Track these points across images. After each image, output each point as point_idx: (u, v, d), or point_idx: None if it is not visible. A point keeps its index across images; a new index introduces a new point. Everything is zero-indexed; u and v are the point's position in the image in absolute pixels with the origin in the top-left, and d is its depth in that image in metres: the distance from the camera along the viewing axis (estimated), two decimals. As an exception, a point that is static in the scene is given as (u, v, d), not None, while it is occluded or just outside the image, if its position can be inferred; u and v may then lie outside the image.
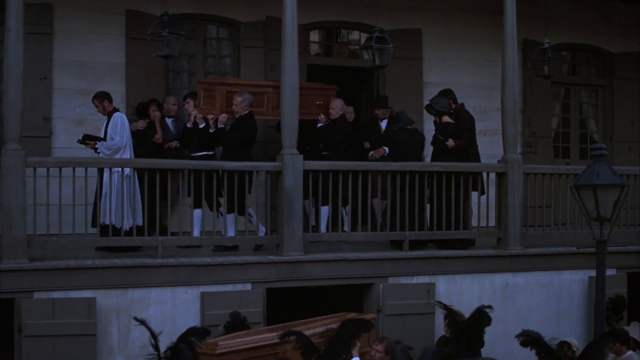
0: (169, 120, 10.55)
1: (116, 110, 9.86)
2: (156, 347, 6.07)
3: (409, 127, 10.31)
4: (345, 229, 9.70)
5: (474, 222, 10.45)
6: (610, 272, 10.37)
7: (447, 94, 10.58)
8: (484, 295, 9.75)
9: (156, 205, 8.86)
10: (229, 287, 8.88)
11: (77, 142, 9.98)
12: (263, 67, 11.52)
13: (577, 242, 10.52)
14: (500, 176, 10.09)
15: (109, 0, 10.89)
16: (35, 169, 8.54)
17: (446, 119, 10.27)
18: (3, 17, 10.33)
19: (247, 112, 9.92)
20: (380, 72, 11.98)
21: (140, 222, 9.03)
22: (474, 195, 10.33)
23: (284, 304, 9.41)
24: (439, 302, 8.78)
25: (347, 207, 9.79)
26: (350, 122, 11.05)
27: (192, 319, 8.64)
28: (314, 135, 10.79)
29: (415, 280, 9.54)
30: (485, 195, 10.28)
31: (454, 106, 10.63)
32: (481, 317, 6.60)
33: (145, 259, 8.81)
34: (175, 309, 8.71)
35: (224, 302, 8.67)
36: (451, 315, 8.18)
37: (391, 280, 9.43)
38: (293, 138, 9.20)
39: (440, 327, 9.28)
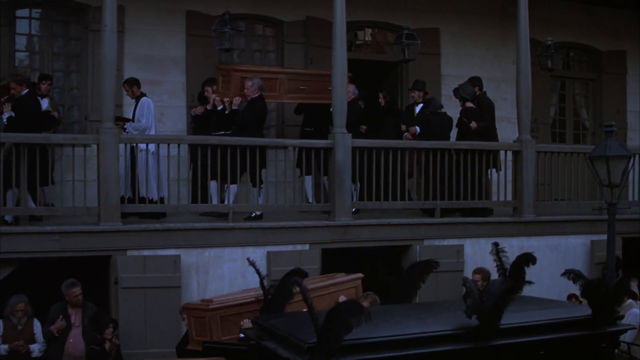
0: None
1: (143, 95, 10.13)
2: (262, 285, 6.63)
3: (439, 111, 10.94)
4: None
5: (492, 196, 11.12)
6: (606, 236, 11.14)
7: (475, 81, 11.20)
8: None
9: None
10: (290, 247, 9.48)
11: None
12: (303, 61, 12.02)
13: (580, 211, 11.26)
14: (516, 154, 10.76)
15: (172, 1, 11.43)
16: (126, 144, 9.14)
17: (469, 104, 10.92)
18: (84, 18, 11.03)
19: (257, 94, 10.13)
20: (403, 65, 12.61)
21: (165, 194, 9.40)
22: (494, 173, 11.00)
23: (337, 263, 10.03)
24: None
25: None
26: (361, 106, 11.28)
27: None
28: (326, 117, 10.91)
29: (446, 242, 10.19)
30: (502, 173, 10.95)
31: (478, 93, 11.28)
32: (527, 257, 7.17)
33: (220, 222, 9.40)
34: (245, 266, 9.18)
35: (286, 260, 9.21)
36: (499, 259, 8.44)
37: (426, 242, 10.07)
38: (342, 119, 9.76)
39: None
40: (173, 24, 11.46)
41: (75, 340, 8.45)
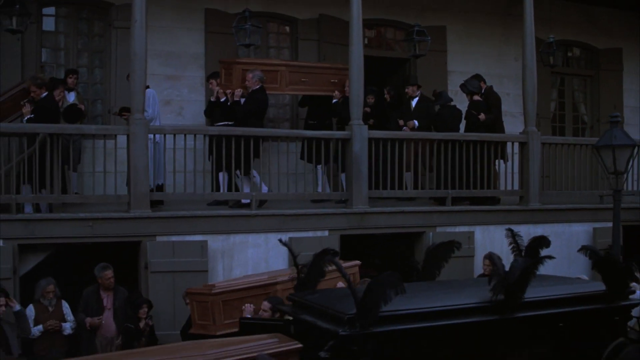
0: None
1: (147, 87, 10.04)
2: (295, 263, 6.89)
3: (449, 104, 11.23)
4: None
5: (500, 186, 11.42)
6: (607, 224, 11.47)
7: (477, 77, 11.52)
8: (511, 242, 10.69)
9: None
10: (310, 234, 9.73)
11: (114, 114, 10.46)
12: (317, 57, 12.23)
13: (582, 200, 11.57)
14: (523, 145, 11.06)
15: (192, 0, 11.71)
16: (154, 135, 9.39)
17: (476, 97, 11.22)
18: (108, 16, 11.27)
19: (258, 86, 10.22)
20: (411, 62, 12.90)
21: (161, 181, 9.59)
22: (501, 164, 11.29)
23: (354, 249, 10.29)
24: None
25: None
26: (369, 101, 11.38)
27: (281, 260, 9.47)
28: (329, 110, 11.18)
29: (458, 229, 10.47)
30: (508, 164, 11.25)
31: (484, 87, 11.58)
32: (541, 240, 7.45)
33: (244, 210, 9.65)
34: (268, 251, 9.53)
35: (307, 246, 9.37)
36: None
37: (439, 229, 10.35)
38: (359, 111, 10.04)
39: (478, 268, 10.24)
40: (192, 21, 11.68)
41: (107, 322, 8.69)
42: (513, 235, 7.47)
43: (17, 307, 8.01)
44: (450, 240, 7.14)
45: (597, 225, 11.24)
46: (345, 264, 8.71)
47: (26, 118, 9.27)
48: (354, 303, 5.52)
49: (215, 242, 9.26)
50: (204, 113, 11.12)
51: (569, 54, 14.60)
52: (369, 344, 5.48)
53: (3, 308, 7.78)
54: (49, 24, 11.26)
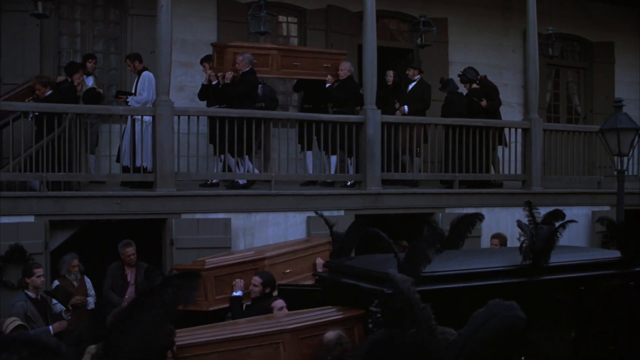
0: (259, 86, 11.68)
1: (145, 69, 10.44)
2: (332, 233, 7.32)
3: (457, 91, 11.74)
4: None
5: (501, 171, 11.96)
6: (605, 208, 12.07)
7: (472, 68, 12.02)
8: (515, 224, 11.21)
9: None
10: (326, 213, 10.08)
11: (112, 97, 10.67)
12: (324, 46, 12.62)
13: (581, 185, 12.14)
14: (525, 131, 11.60)
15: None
16: (179, 117, 9.76)
17: (474, 86, 11.76)
18: (123, 4, 11.60)
19: (248, 68, 10.38)
20: (415, 52, 13.38)
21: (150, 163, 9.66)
22: (499, 150, 11.82)
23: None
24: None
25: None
26: (356, 83, 11.48)
27: (300, 237, 9.94)
28: (323, 93, 11.26)
29: (465, 210, 10.95)
30: (510, 150, 11.79)
31: (479, 77, 12.12)
32: (557, 213, 7.94)
33: (264, 189, 10.06)
34: (287, 229, 9.95)
35: (324, 225, 9.81)
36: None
37: (447, 210, 10.84)
38: (373, 96, 10.48)
39: (485, 246, 10.72)
40: (206, 10, 12.04)
41: (131, 297, 9.04)
42: (530, 209, 7.99)
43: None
44: (474, 213, 7.62)
45: (596, 208, 11.80)
46: (322, 241, 8.98)
47: (30, 116, 9.43)
48: (397, 264, 5.98)
49: (237, 220, 9.65)
50: (197, 97, 11.34)
51: (563, 47, 15.14)
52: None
53: (42, 279, 8.12)
54: (65, 11, 11.56)
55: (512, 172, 11.72)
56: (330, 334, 5.44)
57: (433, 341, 3.98)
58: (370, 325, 5.66)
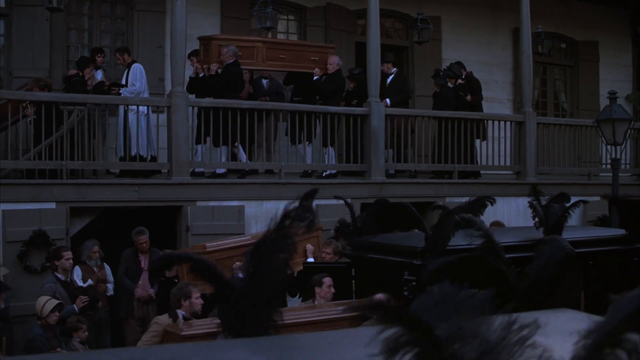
0: (264, 81, 12.08)
1: (134, 61, 10.65)
2: (352, 215, 7.80)
3: (446, 85, 12.23)
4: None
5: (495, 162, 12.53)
6: (595, 198, 12.67)
7: (459, 64, 12.50)
8: (511, 212, 11.82)
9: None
10: (334, 202, 10.61)
11: (103, 88, 10.78)
12: (324, 43, 13.17)
13: (572, 176, 12.77)
14: (520, 124, 12.19)
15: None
16: (193, 107, 10.16)
17: (460, 81, 12.31)
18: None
19: (232, 60, 10.62)
20: (409, 49, 13.94)
21: (154, 152, 10.19)
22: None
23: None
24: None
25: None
26: (343, 77, 11.72)
27: (308, 225, 10.36)
28: (310, 86, 11.53)
29: (464, 199, 11.50)
30: (502, 143, 12.37)
31: (464, 73, 12.67)
32: (562, 196, 8.48)
33: (274, 179, 10.49)
34: (296, 216, 10.40)
35: (332, 212, 10.36)
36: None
37: (447, 199, 11.36)
38: (377, 89, 11.01)
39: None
40: (210, 6, 12.45)
41: (144, 282, 9.39)
42: (536, 192, 8.53)
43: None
44: (486, 196, 8.14)
45: (587, 199, 12.38)
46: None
47: (29, 119, 9.58)
48: (424, 238, 6.49)
49: (249, 208, 10.06)
50: (185, 89, 11.70)
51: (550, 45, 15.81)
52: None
53: (70, 262, 8.48)
54: (74, 6, 11.90)
55: (502, 163, 12.26)
56: (380, 296, 5.87)
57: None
58: (405, 293, 6.17)
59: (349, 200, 7.98)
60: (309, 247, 9.09)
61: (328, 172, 10.99)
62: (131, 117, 10.00)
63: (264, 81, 12.08)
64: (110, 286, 9.28)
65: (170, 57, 10.03)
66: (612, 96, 10.14)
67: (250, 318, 2.67)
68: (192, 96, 10.49)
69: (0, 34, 11.39)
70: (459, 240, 6.54)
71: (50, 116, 9.17)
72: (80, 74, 10.60)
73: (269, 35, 12.26)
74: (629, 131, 10.17)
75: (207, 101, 10.38)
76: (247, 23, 12.31)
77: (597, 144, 13.20)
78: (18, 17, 11.27)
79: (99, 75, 11.19)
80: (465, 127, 11.75)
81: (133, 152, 9.97)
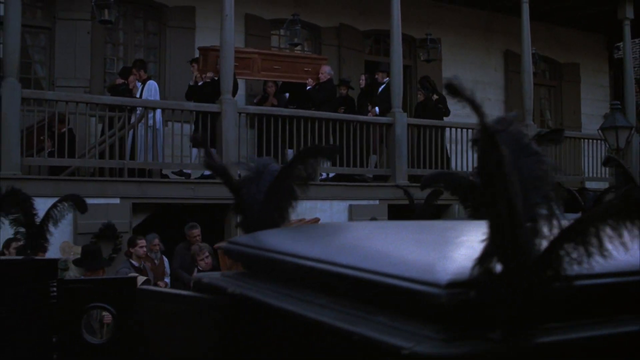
0: (286, 94, 13.13)
1: (149, 78, 11.48)
2: (410, 201, 8.98)
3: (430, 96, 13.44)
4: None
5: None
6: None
7: (424, 79, 13.75)
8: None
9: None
10: (364, 202, 11.82)
11: (105, 87, 11.74)
12: (337, 61, 14.31)
13: (566, 183, 14.19)
14: (521, 135, 13.58)
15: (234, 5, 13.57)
16: (240, 114, 11.25)
17: (434, 96, 13.52)
18: (162, 16, 13.05)
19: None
20: (412, 67, 15.30)
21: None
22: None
23: (397, 216, 12.38)
24: None
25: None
26: (335, 86, 12.60)
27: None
28: (303, 95, 12.38)
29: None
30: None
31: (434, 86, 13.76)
32: (581, 192, 9.81)
33: (315, 180, 11.58)
34: (332, 215, 11.50)
35: (363, 212, 11.55)
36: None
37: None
38: (399, 101, 12.28)
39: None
40: (235, 24, 13.52)
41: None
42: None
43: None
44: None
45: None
46: (307, 220, 10.50)
47: (48, 151, 10.18)
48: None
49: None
50: (185, 97, 12.31)
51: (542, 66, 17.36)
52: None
53: (144, 249, 9.41)
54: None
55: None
56: None
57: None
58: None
59: (405, 189, 9.06)
60: None
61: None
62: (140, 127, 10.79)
63: (286, 95, 13.21)
64: (167, 280, 10.16)
65: (220, 67, 11.04)
66: (615, 106, 11.63)
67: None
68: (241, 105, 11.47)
69: (44, 46, 12.31)
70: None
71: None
72: (125, 82, 11.60)
73: (295, 49, 13.43)
74: (630, 138, 11.65)
75: (254, 108, 11.48)
76: (267, 41, 13.46)
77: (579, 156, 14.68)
78: (60, 30, 12.22)
79: (139, 84, 12.18)
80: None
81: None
